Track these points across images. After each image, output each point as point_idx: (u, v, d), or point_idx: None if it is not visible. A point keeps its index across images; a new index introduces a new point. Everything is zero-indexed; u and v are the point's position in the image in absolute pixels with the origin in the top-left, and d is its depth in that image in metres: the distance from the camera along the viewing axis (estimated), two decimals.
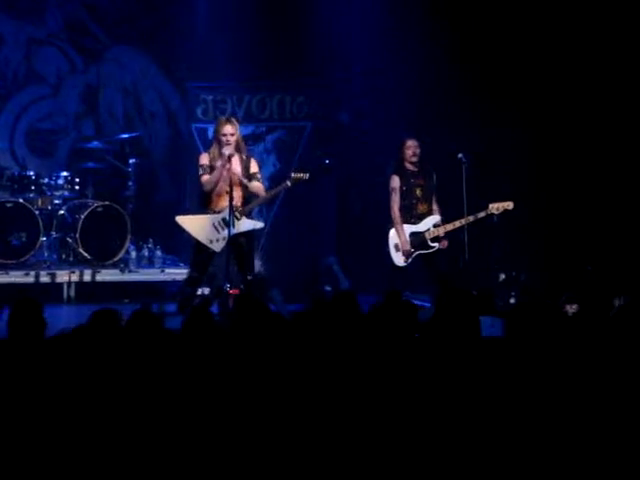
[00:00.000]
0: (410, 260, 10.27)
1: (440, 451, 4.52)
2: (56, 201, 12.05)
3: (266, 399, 4.80)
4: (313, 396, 4.84)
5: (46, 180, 11.95)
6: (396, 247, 10.26)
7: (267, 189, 10.16)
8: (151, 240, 12.27)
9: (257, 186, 9.61)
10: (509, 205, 10.18)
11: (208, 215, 9.55)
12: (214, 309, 9.24)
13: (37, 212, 11.66)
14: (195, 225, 9.60)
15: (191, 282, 9.72)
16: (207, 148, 10.19)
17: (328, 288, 12.18)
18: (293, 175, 9.81)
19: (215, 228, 9.48)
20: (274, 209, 12.39)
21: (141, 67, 13.20)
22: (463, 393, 4.74)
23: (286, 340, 5.52)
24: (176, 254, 12.46)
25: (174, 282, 11.79)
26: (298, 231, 12.30)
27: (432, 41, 11.80)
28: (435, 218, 10.28)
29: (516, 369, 4.84)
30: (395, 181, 10.30)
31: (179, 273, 11.82)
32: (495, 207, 10.16)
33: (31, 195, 11.86)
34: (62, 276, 11.54)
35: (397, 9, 11.95)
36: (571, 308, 9.81)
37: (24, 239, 11.63)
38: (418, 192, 10.33)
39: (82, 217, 11.69)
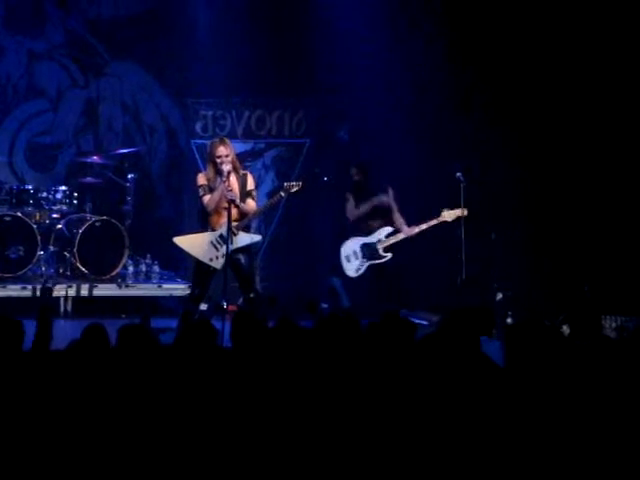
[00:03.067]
0: (362, 271, 10.41)
1: (440, 465, 4.52)
2: (54, 215, 12.05)
3: (263, 416, 4.80)
4: (311, 414, 4.83)
5: (44, 194, 11.94)
6: (347, 258, 10.44)
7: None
8: (149, 255, 12.27)
9: (250, 205, 9.59)
10: (463, 212, 10.27)
11: (206, 233, 9.53)
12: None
13: (35, 226, 11.66)
14: (193, 244, 9.58)
15: (193, 299, 9.71)
16: (205, 165, 10.18)
17: (325, 305, 12.17)
18: (286, 185, 9.87)
19: (214, 246, 9.46)
20: (272, 227, 12.39)
21: (141, 82, 13.22)
22: (462, 412, 4.74)
23: (284, 358, 5.52)
24: (173, 269, 12.46)
25: (171, 297, 11.80)
26: (296, 248, 12.30)
27: (431, 59, 11.83)
28: (387, 229, 10.44)
29: (515, 389, 4.84)
30: (349, 199, 10.66)
31: (177, 288, 11.84)
32: (447, 214, 10.29)
33: (29, 209, 11.87)
34: (59, 290, 11.53)
35: (396, 27, 11.97)
36: (568, 328, 9.83)
37: (22, 253, 11.63)
38: (372, 209, 10.49)
39: (80, 232, 11.69)
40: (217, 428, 4.72)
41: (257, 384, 5.11)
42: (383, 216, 10.67)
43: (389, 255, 10.50)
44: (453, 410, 4.73)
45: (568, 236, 11.32)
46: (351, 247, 10.63)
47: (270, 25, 12.51)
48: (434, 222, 10.37)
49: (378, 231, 10.61)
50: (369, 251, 10.57)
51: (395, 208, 10.74)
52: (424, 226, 10.38)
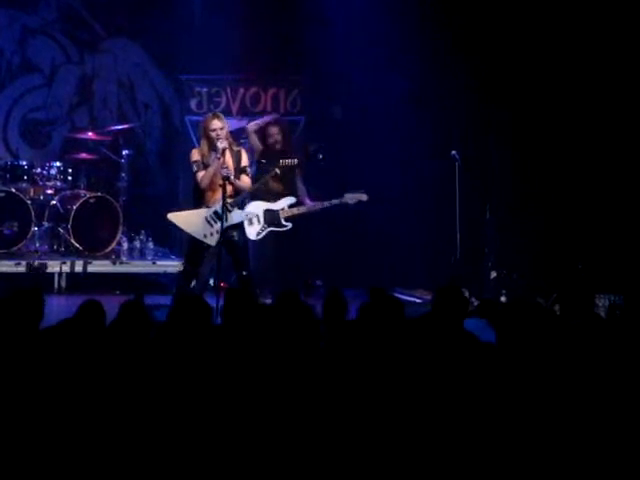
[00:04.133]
0: (262, 235, 10.59)
1: (433, 450, 4.53)
2: (48, 191, 12.04)
3: (254, 393, 4.81)
4: (301, 391, 4.84)
5: (39, 170, 11.93)
6: (250, 221, 10.49)
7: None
8: (143, 232, 12.27)
9: (245, 180, 9.59)
10: (363, 197, 10.52)
11: (200, 210, 9.52)
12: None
13: (29, 202, 11.65)
14: (187, 221, 9.57)
15: (186, 276, 9.70)
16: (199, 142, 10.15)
17: (319, 282, 12.18)
18: (280, 162, 9.90)
19: (208, 222, 9.44)
20: None
21: (136, 59, 13.19)
22: (452, 391, 4.75)
23: (276, 335, 5.52)
24: (168, 246, 12.46)
25: (165, 274, 11.81)
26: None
27: (428, 37, 11.81)
28: (291, 199, 10.48)
29: (507, 369, 4.86)
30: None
31: (171, 265, 11.84)
32: (349, 197, 10.49)
33: (23, 185, 11.86)
34: (53, 266, 11.54)
35: (393, 5, 11.95)
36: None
37: (16, 229, 11.63)
38: (279, 172, 10.56)
39: (74, 208, 11.68)
40: (207, 406, 4.73)
41: (248, 361, 5.12)
42: (288, 183, 10.75)
43: (289, 225, 10.54)
44: (439, 385, 4.75)
45: (562, 215, 11.33)
46: (254, 210, 10.63)
47: (266, 2, 12.47)
48: (336, 202, 10.58)
49: (283, 199, 10.66)
50: (270, 217, 10.64)
51: (300, 180, 10.84)
52: (327, 204, 10.62)
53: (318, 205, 10.67)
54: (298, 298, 6.05)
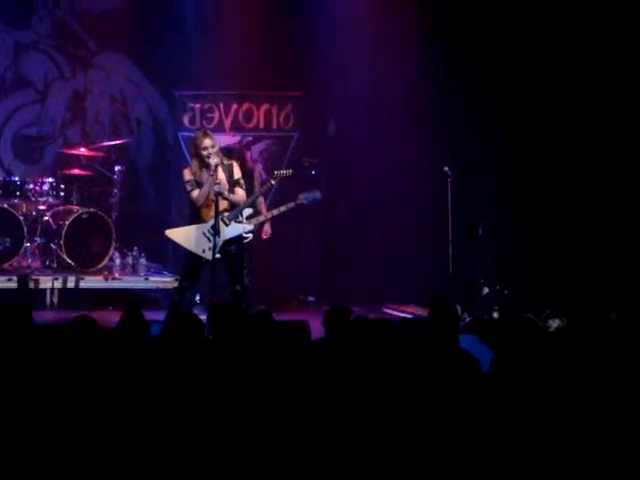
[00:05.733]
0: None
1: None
2: (41, 207, 12.02)
3: (238, 407, 4.81)
4: (287, 407, 4.84)
5: (31, 186, 11.91)
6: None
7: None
8: (135, 248, 12.25)
9: (239, 193, 9.59)
10: (317, 194, 10.38)
11: (197, 225, 9.52)
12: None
13: (21, 218, 11.64)
14: (185, 236, 9.56)
15: (182, 291, 9.69)
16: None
17: (311, 298, 12.20)
18: (276, 172, 9.90)
19: (206, 237, 9.44)
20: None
21: (128, 74, 13.20)
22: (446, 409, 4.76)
23: (264, 350, 5.52)
24: (160, 262, 12.45)
25: (158, 290, 11.79)
26: (284, 241, 12.29)
27: (420, 52, 11.84)
28: (247, 211, 10.41)
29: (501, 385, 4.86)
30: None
31: (163, 281, 11.83)
32: (303, 197, 10.27)
33: (16, 200, 11.84)
34: (45, 282, 11.51)
35: (385, 21, 11.99)
36: (554, 323, 9.89)
37: (8, 244, 11.62)
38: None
39: (67, 223, 11.67)
40: (193, 418, 4.73)
41: (237, 375, 5.12)
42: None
43: (250, 236, 10.46)
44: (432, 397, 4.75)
45: (554, 231, 11.35)
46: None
47: (259, 18, 12.49)
48: (291, 205, 10.35)
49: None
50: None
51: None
52: (283, 208, 10.42)
53: (274, 211, 10.54)
54: (271, 318, 6.07)
